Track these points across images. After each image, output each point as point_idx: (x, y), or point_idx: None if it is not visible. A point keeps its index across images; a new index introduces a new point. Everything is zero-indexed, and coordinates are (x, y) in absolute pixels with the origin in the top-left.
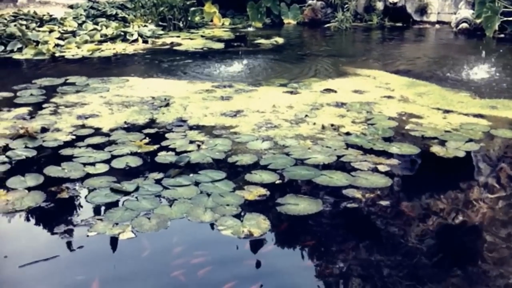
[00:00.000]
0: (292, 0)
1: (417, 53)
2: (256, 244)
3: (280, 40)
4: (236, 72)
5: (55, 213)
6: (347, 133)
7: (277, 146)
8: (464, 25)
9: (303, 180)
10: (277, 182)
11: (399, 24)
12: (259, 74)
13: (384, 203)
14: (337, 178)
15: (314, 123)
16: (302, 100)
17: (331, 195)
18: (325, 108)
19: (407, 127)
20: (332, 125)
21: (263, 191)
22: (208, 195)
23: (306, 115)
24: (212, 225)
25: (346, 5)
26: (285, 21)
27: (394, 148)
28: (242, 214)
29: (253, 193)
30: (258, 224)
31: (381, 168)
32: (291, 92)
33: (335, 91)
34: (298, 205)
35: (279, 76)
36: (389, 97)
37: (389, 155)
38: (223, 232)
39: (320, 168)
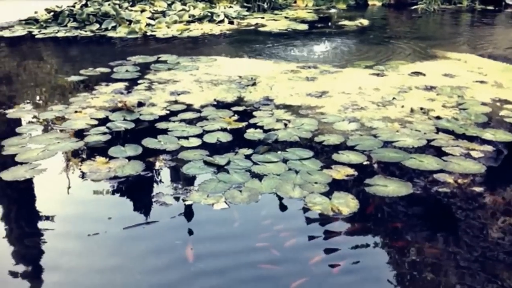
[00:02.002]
0: None
1: (510, 37)
2: (344, 222)
3: (365, 22)
4: (321, 53)
5: (153, 181)
6: (438, 117)
7: (364, 128)
8: None
9: (392, 163)
10: (365, 163)
11: (491, 7)
12: (343, 55)
13: (477, 189)
14: (428, 162)
15: (402, 106)
16: (389, 82)
17: (421, 178)
18: (413, 91)
19: (501, 113)
20: (421, 108)
21: (350, 171)
22: (296, 172)
23: (394, 98)
24: (300, 201)
25: None
26: (370, 2)
27: (488, 134)
28: (331, 192)
29: (340, 173)
30: (346, 203)
31: (474, 154)
32: (378, 74)
33: (424, 74)
34: (387, 187)
35: (364, 58)
36: (481, 82)
37: (482, 141)
38: (312, 209)
39: (409, 151)
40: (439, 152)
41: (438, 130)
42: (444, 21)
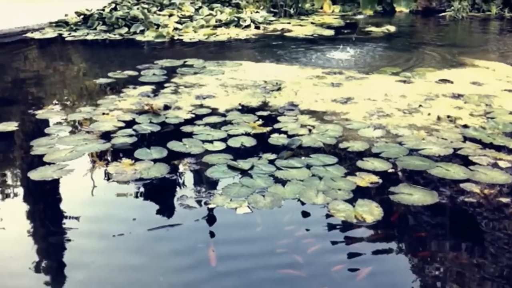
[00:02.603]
0: None
1: None
2: (368, 230)
3: (392, 28)
4: (347, 59)
5: (177, 184)
6: (465, 126)
7: (389, 135)
8: None
9: (417, 171)
10: (390, 170)
11: None
12: (370, 62)
13: (504, 200)
14: (454, 171)
15: (429, 114)
16: (415, 89)
17: (447, 188)
18: (440, 99)
19: None
20: (448, 116)
21: (375, 178)
22: (320, 178)
23: (420, 105)
24: (324, 208)
25: None
26: (397, 9)
27: None
28: (354, 199)
29: (365, 180)
30: (370, 211)
31: (502, 164)
32: (404, 81)
33: (451, 82)
34: (412, 195)
35: (391, 64)
36: (510, 90)
37: (510, 151)
38: (335, 216)
39: (435, 160)
40: (465, 161)
41: (465, 139)
42: (472, 28)
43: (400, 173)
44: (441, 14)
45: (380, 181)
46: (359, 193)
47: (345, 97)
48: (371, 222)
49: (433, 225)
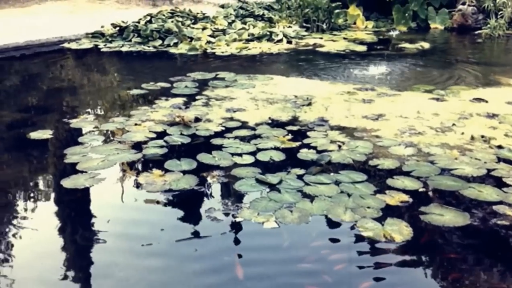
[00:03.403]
0: (441, 4)
1: None
2: (396, 249)
3: (426, 45)
4: (379, 75)
5: (206, 196)
6: (499, 147)
7: (421, 153)
8: None
9: (449, 191)
10: (421, 190)
11: None
12: (402, 78)
13: None
14: (487, 193)
15: (462, 133)
16: (449, 108)
17: (479, 209)
18: (474, 118)
19: None
20: (482, 136)
21: (405, 197)
22: (349, 195)
23: (453, 124)
24: (352, 226)
25: (501, 12)
26: (432, 26)
27: None
28: (383, 218)
29: (395, 198)
30: (399, 230)
31: None
32: (437, 99)
33: (486, 101)
34: (443, 216)
35: (424, 81)
36: None
37: None
38: (363, 234)
39: (468, 180)
40: (499, 183)
41: (499, 159)
42: (509, 47)
43: (431, 193)
44: (476, 32)
45: (411, 200)
46: (389, 211)
47: (376, 114)
48: (400, 242)
49: (464, 247)
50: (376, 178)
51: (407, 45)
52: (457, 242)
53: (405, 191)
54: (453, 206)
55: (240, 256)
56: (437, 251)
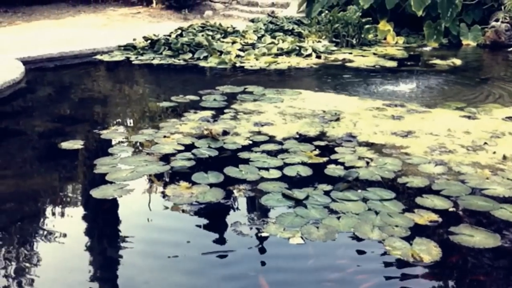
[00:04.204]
0: (473, 21)
1: None
2: (424, 270)
3: (458, 62)
4: (409, 91)
5: (232, 210)
6: None
7: (451, 172)
8: None
9: (480, 211)
10: (450, 209)
11: None
12: (433, 95)
13: None
14: None
15: (494, 152)
16: (481, 126)
17: (511, 230)
18: (507, 137)
19: None
20: None
21: (434, 216)
22: (376, 213)
23: (485, 143)
24: (379, 244)
25: None
26: (464, 42)
27: None
28: (412, 237)
29: (424, 218)
30: (428, 250)
31: None
32: (469, 117)
33: None
34: (473, 237)
35: (455, 99)
36: None
37: None
38: (391, 253)
39: (499, 201)
40: None
41: None
42: None
43: (461, 213)
44: (510, 49)
45: (440, 220)
46: (417, 231)
47: (405, 131)
48: (428, 262)
49: (494, 269)
50: (404, 196)
51: (438, 61)
52: (487, 263)
53: (434, 210)
54: (484, 227)
55: (264, 271)
56: (466, 273)
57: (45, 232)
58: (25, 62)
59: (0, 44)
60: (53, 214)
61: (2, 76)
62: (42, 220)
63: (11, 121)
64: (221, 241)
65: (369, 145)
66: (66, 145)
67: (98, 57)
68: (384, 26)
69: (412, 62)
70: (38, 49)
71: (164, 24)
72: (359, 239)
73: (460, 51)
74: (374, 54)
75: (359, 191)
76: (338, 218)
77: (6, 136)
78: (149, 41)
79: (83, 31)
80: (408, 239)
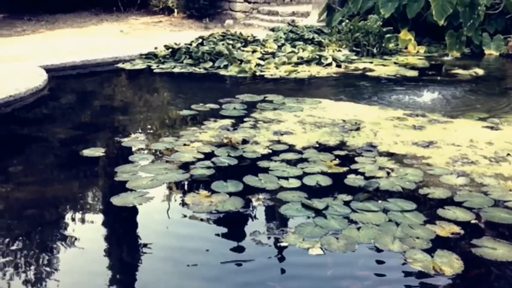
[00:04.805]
0: (496, 30)
1: None
2: (446, 283)
3: (480, 72)
4: (430, 101)
5: (251, 219)
6: None
7: (473, 184)
8: None
9: (503, 224)
10: (473, 221)
11: None
12: (455, 105)
13: None
14: None
15: None
16: (504, 137)
17: None
18: None
19: None
20: None
21: (456, 229)
22: (397, 224)
23: (508, 154)
24: (400, 256)
25: None
26: (486, 51)
27: None
28: (433, 249)
29: (445, 230)
30: (450, 263)
31: None
32: (492, 128)
33: None
34: (496, 250)
35: (477, 109)
36: None
37: None
38: (412, 265)
39: None
40: None
41: None
42: None
43: (483, 225)
44: None
45: (462, 232)
46: (439, 243)
47: (427, 141)
48: (450, 275)
49: None
50: (426, 207)
51: (460, 71)
52: (510, 276)
53: (456, 222)
54: (507, 240)
55: (283, 280)
56: (488, 286)
57: (66, 238)
58: (48, 69)
59: (24, 51)
60: (74, 220)
61: (25, 84)
62: (63, 226)
63: (34, 128)
64: (240, 249)
65: (390, 155)
66: (87, 152)
67: (120, 65)
68: (405, 35)
69: (434, 72)
70: (61, 57)
71: (185, 33)
72: (379, 251)
73: (483, 61)
74: (395, 63)
75: (380, 201)
76: (358, 229)
77: (29, 143)
78: (170, 49)
79: (105, 40)
80: (430, 251)
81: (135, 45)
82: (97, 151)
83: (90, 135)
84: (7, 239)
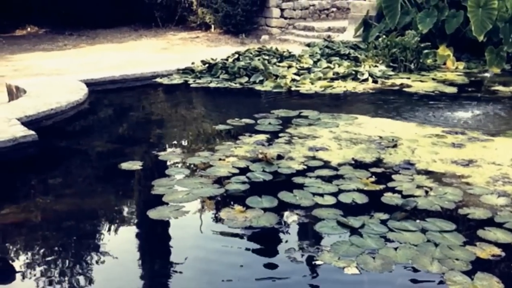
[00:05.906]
0: None
1: None
2: None
3: None
4: (470, 119)
5: (285, 235)
6: None
7: None
8: None
9: None
10: None
11: None
12: (495, 123)
13: None
14: None
15: None
16: None
17: None
18: None
19: None
20: None
21: (497, 251)
22: (436, 245)
23: None
24: (438, 278)
25: None
26: None
27: None
28: (473, 271)
29: (486, 251)
30: (490, 286)
31: None
32: None
33: None
34: None
35: None
36: None
37: None
38: (451, 287)
39: None
40: None
41: None
42: None
43: None
44: None
45: (503, 254)
46: (479, 265)
47: (467, 159)
48: None
49: None
50: (465, 228)
51: (500, 87)
52: None
53: (497, 244)
54: None
55: None
56: None
57: (102, 250)
58: (88, 84)
59: (65, 66)
60: (110, 232)
61: (66, 97)
62: (99, 238)
63: (73, 141)
64: (274, 266)
65: (428, 173)
66: (125, 165)
67: (158, 80)
68: (443, 51)
69: (473, 88)
70: (101, 72)
71: (222, 49)
72: (417, 271)
73: None
74: (433, 79)
75: (418, 221)
76: (396, 248)
77: (68, 156)
78: (207, 64)
79: (144, 55)
80: (469, 273)
81: (173, 60)
82: (134, 165)
83: (128, 149)
84: (44, 250)
